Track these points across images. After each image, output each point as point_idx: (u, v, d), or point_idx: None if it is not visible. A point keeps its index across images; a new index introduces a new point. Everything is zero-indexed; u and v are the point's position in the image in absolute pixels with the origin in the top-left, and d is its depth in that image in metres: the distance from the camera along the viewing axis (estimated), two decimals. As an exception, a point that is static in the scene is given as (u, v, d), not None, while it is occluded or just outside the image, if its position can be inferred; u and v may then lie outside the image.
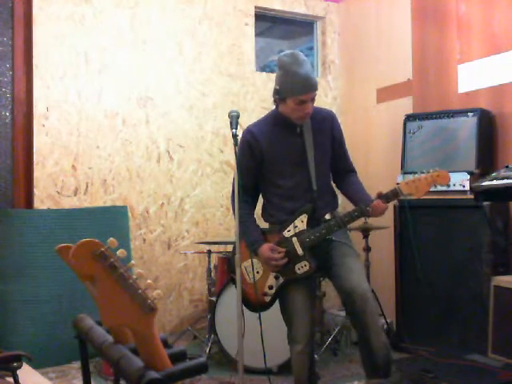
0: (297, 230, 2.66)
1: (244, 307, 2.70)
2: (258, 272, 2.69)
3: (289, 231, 2.67)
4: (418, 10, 4.48)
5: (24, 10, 4.14)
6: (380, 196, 2.61)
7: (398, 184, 2.65)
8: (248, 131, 2.74)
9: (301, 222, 2.66)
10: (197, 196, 4.69)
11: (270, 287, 2.67)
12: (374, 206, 2.59)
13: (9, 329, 3.65)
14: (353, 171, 2.90)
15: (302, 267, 2.63)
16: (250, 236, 2.69)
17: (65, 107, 4.20)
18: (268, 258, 2.62)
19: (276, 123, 2.71)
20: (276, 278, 2.66)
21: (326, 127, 2.76)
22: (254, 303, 2.69)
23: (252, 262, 2.64)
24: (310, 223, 2.65)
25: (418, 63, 4.48)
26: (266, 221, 2.82)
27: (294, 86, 2.53)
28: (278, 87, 2.60)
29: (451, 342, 3.63)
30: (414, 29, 4.51)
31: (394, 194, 2.62)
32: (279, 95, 2.61)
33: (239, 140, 2.70)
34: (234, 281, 2.71)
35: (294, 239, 2.65)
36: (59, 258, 1.33)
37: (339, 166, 2.85)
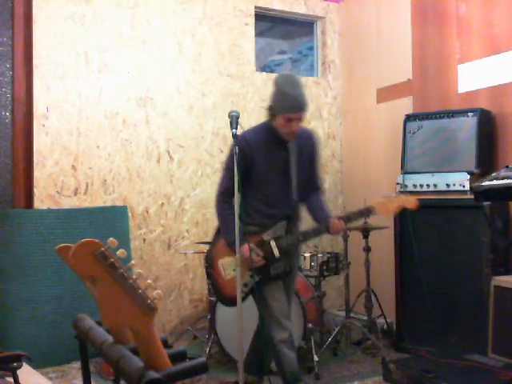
0: (275, 235, 2.91)
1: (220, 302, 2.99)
2: (234, 270, 2.82)
3: (268, 235, 2.91)
4: (418, 9, 4.48)
5: (24, 10, 4.14)
6: (340, 217, 2.92)
7: (370, 205, 2.93)
8: (243, 138, 2.91)
9: (280, 228, 2.92)
10: (197, 196, 4.69)
11: (245, 285, 2.87)
12: (333, 224, 2.88)
13: (9, 329, 3.65)
14: (319, 189, 3.18)
15: (277, 268, 2.90)
16: (231, 235, 2.81)
17: (65, 107, 4.20)
18: (246, 258, 2.79)
19: (268, 135, 2.94)
20: (251, 276, 2.86)
21: (309, 147, 3.06)
22: (228, 298, 2.92)
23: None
24: (288, 230, 2.93)
25: (418, 63, 4.48)
26: (244, 222, 2.89)
27: (284, 104, 2.81)
28: (271, 104, 2.88)
29: (451, 342, 3.62)
30: (414, 29, 4.51)
31: (359, 214, 2.94)
32: (271, 111, 2.88)
33: (230, 146, 2.89)
34: (209, 275, 2.98)
35: (273, 242, 2.89)
36: (59, 258, 1.34)
37: (310, 182, 3.11)
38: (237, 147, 2.68)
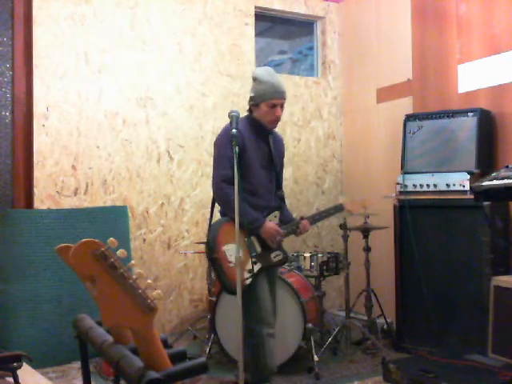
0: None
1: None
2: (240, 256, 2.78)
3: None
4: (418, 9, 4.48)
5: (24, 10, 4.14)
6: (306, 217, 3.13)
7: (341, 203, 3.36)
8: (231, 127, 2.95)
9: (274, 217, 3.04)
10: (197, 196, 4.69)
11: (250, 271, 2.87)
12: (303, 225, 3.09)
13: (9, 329, 3.65)
14: (281, 189, 3.27)
15: (277, 256, 2.99)
16: (249, 214, 2.89)
17: (65, 107, 4.20)
18: (276, 231, 2.94)
19: (252, 127, 3.04)
20: (254, 263, 2.88)
21: (281, 147, 3.25)
22: (233, 285, 2.79)
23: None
24: (279, 221, 3.05)
25: (418, 63, 4.48)
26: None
27: (268, 91, 2.96)
28: (252, 94, 3.01)
29: (451, 342, 3.63)
30: (414, 29, 4.51)
31: (324, 214, 3.25)
32: (254, 101, 3.00)
33: (222, 134, 3.02)
34: (213, 262, 2.89)
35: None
36: (59, 258, 1.34)
37: (277, 182, 3.22)
38: (237, 147, 2.69)
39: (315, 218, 3.21)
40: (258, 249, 2.96)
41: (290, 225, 3.09)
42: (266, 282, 2.99)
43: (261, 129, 3.05)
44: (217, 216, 3.07)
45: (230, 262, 2.85)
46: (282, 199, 3.21)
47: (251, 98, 3.02)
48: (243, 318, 2.77)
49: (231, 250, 2.85)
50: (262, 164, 3.04)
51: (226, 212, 2.97)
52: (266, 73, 3.02)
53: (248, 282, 2.86)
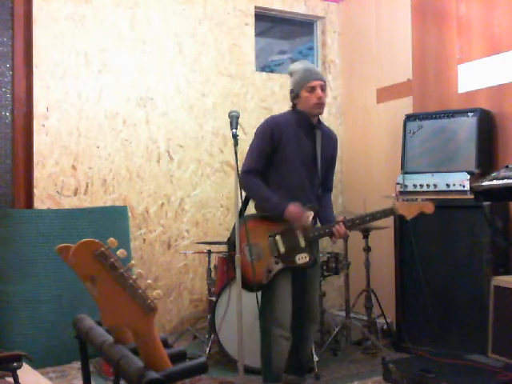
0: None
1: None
2: (259, 255, 2.80)
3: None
4: (418, 10, 4.48)
5: (24, 10, 4.14)
6: (344, 220, 2.91)
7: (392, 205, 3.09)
8: (273, 119, 2.96)
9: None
10: (197, 196, 4.69)
11: (269, 271, 2.81)
12: (336, 229, 2.88)
13: (9, 329, 3.65)
14: (331, 190, 3.20)
15: (302, 258, 2.84)
16: (273, 199, 2.82)
17: (65, 107, 4.20)
18: (300, 213, 2.80)
19: (297, 119, 2.95)
20: (276, 263, 2.82)
21: (331, 145, 3.09)
22: (250, 283, 2.78)
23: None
24: (312, 221, 2.88)
25: (418, 63, 4.48)
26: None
27: (303, 76, 2.89)
28: (292, 87, 2.95)
29: (451, 342, 3.63)
30: (414, 29, 4.51)
31: (368, 218, 2.99)
32: (294, 93, 2.94)
33: (261, 125, 2.94)
34: (232, 258, 2.82)
35: (299, 231, 2.84)
36: (59, 258, 1.33)
37: (325, 181, 3.10)
38: (237, 147, 2.68)
39: (355, 223, 2.95)
40: (282, 249, 2.84)
41: (323, 227, 2.95)
42: (288, 284, 2.88)
43: (306, 123, 2.94)
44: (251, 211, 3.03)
45: (249, 261, 2.77)
46: (324, 200, 3.08)
47: (291, 92, 2.96)
48: (260, 316, 2.84)
49: (253, 249, 2.79)
50: (305, 161, 2.91)
51: (253, 199, 2.93)
52: (298, 63, 3.05)
53: (265, 281, 2.80)
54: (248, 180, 2.85)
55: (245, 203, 2.98)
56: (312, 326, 3.06)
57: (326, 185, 3.13)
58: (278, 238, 2.85)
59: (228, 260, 3.01)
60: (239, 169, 2.76)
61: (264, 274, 2.81)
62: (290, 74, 3.01)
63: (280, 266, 2.83)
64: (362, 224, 3.03)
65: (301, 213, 2.82)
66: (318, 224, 3.03)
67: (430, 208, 3.05)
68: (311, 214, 2.85)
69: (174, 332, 4.41)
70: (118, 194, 4.37)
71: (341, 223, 2.88)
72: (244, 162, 2.92)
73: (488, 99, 3.88)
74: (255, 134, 2.96)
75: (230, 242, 2.90)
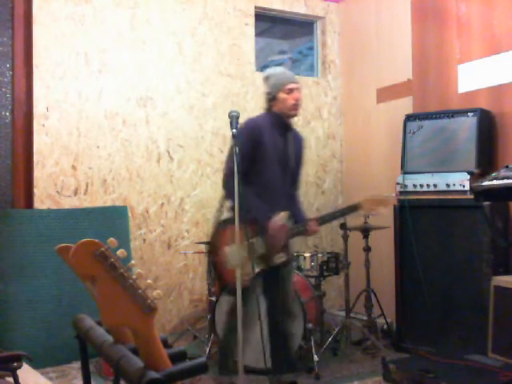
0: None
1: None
2: (238, 258, 2.81)
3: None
4: (418, 9, 4.47)
5: (24, 10, 4.14)
6: (315, 218, 3.05)
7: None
8: (252, 120, 3.03)
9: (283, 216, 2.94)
10: (197, 196, 4.69)
11: (250, 273, 2.83)
12: (309, 226, 3.00)
13: (9, 329, 3.65)
14: (298, 189, 3.28)
15: (280, 257, 2.91)
16: (257, 208, 2.87)
17: (65, 107, 4.20)
18: (281, 228, 2.86)
19: (273, 122, 3.03)
20: (256, 264, 2.85)
21: (300, 146, 3.21)
22: (233, 286, 2.81)
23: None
24: (288, 221, 2.95)
25: (418, 63, 4.48)
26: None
27: (282, 79, 3.01)
28: (268, 90, 3.06)
29: (451, 342, 3.63)
30: (414, 29, 4.51)
31: (337, 214, 3.12)
32: (270, 95, 3.03)
33: (241, 127, 2.91)
34: (213, 263, 2.93)
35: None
36: (59, 258, 1.33)
37: (294, 180, 3.19)
38: (237, 148, 2.68)
39: (325, 219, 3.10)
40: (261, 250, 2.90)
41: (298, 225, 3.04)
42: (259, 285, 2.95)
43: (281, 124, 3.05)
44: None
45: (228, 264, 2.84)
46: (296, 199, 3.19)
47: (267, 94, 3.04)
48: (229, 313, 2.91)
49: (232, 252, 2.83)
50: (280, 161, 3.01)
51: (233, 203, 2.93)
52: (273, 68, 3.14)
53: (247, 283, 2.82)
54: (229, 184, 2.85)
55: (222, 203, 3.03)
56: (291, 320, 3.10)
57: (296, 185, 3.22)
58: (256, 239, 2.90)
59: (211, 265, 3.01)
60: (224, 168, 2.92)
61: (246, 277, 2.83)
62: (266, 79, 3.08)
63: (260, 267, 2.89)
64: (332, 220, 3.17)
65: (280, 228, 2.88)
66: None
67: (392, 201, 3.18)
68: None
69: (174, 332, 4.42)
70: (117, 194, 4.37)
71: (313, 221, 3.02)
72: (226, 164, 2.95)
73: (488, 99, 3.88)
74: (236, 136, 2.97)
75: (211, 245, 2.96)
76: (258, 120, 3.04)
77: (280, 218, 2.89)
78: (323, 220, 3.08)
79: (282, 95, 2.98)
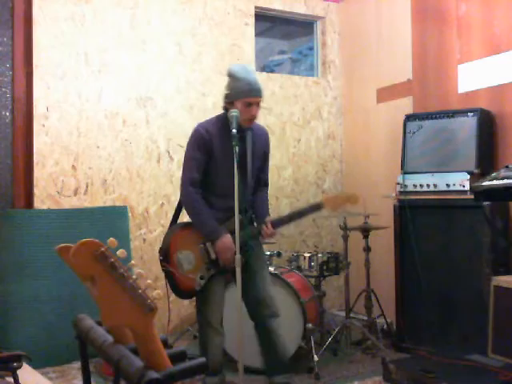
0: (231, 228, 2.78)
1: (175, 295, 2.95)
2: (190, 263, 2.86)
3: (224, 227, 2.89)
4: (418, 9, 4.48)
5: (24, 10, 4.14)
6: (271, 220, 2.94)
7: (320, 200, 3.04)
8: (201, 127, 2.93)
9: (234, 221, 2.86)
10: (197, 196, 4.68)
11: (202, 277, 2.87)
12: (264, 229, 2.91)
13: (9, 329, 3.65)
14: (266, 185, 3.19)
15: (233, 262, 2.79)
16: (208, 225, 2.86)
17: (65, 107, 4.20)
18: (228, 249, 2.82)
19: (224, 126, 2.91)
20: (207, 269, 2.88)
21: (263, 142, 3.08)
22: (184, 292, 2.92)
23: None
24: (244, 223, 2.86)
25: (418, 63, 4.48)
26: None
27: (243, 89, 2.83)
28: (227, 92, 2.89)
29: (451, 342, 3.63)
30: (414, 29, 4.51)
31: (297, 215, 3.02)
32: (228, 99, 2.88)
33: (192, 134, 2.95)
34: (166, 272, 2.91)
35: (228, 235, 2.87)
36: (59, 258, 1.33)
37: (260, 177, 3.12)
38: (237, 147, 2.68)
39: (284, 221, 3.00)
40: (213, 255, 2.88)
41: (252, 228, 2.95)
42: (220, 287, 2.95)
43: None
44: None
45: (180, 270, 2.86)
46: (259, 199, 3.10)
47: (226, 96, 2.90)
48: (196, 314, 2.98)
49: (184, 257, 2.87)
50: (232, 164, 2.73)
51: (190, 217, 2.95)
52: (242, 70, 2.90)
53: (198, 287, 2.86)
54: (190, 195, 2.89)
55: (178, 210, 3.05)
56: (270, 316, 2.97)
57: (262, 180, 3.14)
58: (208, 244, 2.89)
59: (166, 273, 2.98)
60: (181, 177, 2.93)
61: (196, 281, 2.86)
62: (229, 75, 2.91)
63: (212, 271, 2.89)
64: (291, 221, 3.06)
65: (227, 249, 2.83)
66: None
67: (356, 199, 3.01)
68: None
69: (174, 332, 4.42)
70: (117, 194, 4.37)
71: (269, 224, 2.92)
72: (183, 174, 2.94)
73: (488, 99, 3.88)
74: (188, 144, 2.96)
75: (163, 252, 2.94)
76: (207, 125, 2.93)
77: (228, 238, 2.84)
78: (281, 221, 2.99)
79: (238, 105, 2.82)
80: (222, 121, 2.94)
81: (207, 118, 3.04)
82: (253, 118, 2.89)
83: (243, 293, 2.78)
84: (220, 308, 2.99)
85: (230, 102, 2.88)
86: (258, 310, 2.98)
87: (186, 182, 2.90)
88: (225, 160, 2.85)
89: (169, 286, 2.93)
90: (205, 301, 2.95)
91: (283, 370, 3.04)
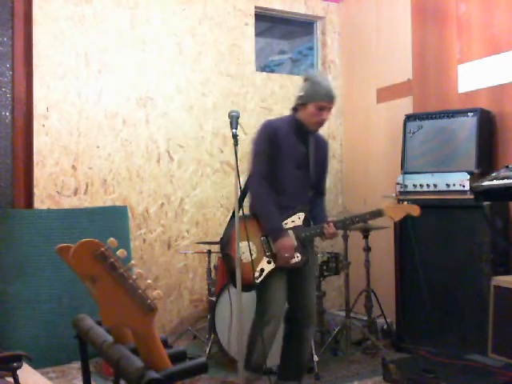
0: (293, 225, 2.90)
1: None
2: (252, 254, 2.81)
3: (286, 224, 2.89)
4: (418, 10, 4.48)
5: (24, 10, 4.14)
6: (334, 221, 2.96)
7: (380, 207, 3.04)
8: (270, 123, 2.99)
9: (298, 219, 2.93)
10: (197, 196, 4.69)
11: (262, 270, 2.84)
12: (326, 229, 2.91)
13: (9, 329, 3.65)
14: (324, 194, 3.25)
15: (295, 258, 2.86)
16: (274, 221, 2.86)
17: (65, 107, 4.20)
18: (288, 249, 2.81)
19: (292, 125, 2.99)
20: (268, 262, 2.85)
21: (324, 151, 3.16)
22: (243, 283, 2.79)
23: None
24: (305, 222, 2.93)
25: (418, 63, 4.48)
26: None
27: (319, 92, 2.90)
28: (302, 93, 2.95)
29: (451, 342, 3.63)
30: (414, 29, 4.51)
31: (357, 219, 2.99)
32: (302, 100, 2.94)
33: (260, 129, 2.96)
34: (226, 259, 2.88)
35: (291, 232, 2.88)
36: (59, 258, 1.33)
37: (318, 185, 3.15)
38: (237, 147, 2.68)
39: (346, 223, 2.99)
40: (274, 248, 2.86)
41: (314, 227, 2.96)
42: (282, 283, 2.90)
43: (301, 130, 2.99)
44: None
45: (240, 260, 2.77)
46: (317, 202, 3.12)
47: (300, 97, 2.95)
48: (255, 312, 2.87)
49: (243, 248, 2.80)
50: (298, 165, 2.95)
51: (257, 208, 2.92)
52: (320, 76, 3.06)
53: (259, 280, 2.83)
54: (262, 187, 2.88)
55: (241, 200, 2.97)
56: (309, 326, 3.00)
57: (319, 189, 3.16)
58: (270, 237, 2.88)
59: (223, 260, 2.98)
60: (251, 170, 2.90)
61: (257, 273, 2.83)
62: (306, 79, 2.99)
63: (272, 265, 2.85)
64: (352, 225, 3.07)
65: (287, 249, 2.82)
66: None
67: (416, 211, 3.04)
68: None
69: (174, 332, 4.42)
70: (118, 194, 4.37)
71: (330, 223, 2.92)
72: (253, 166, 2.93)
73: (488, 99, 3.88)
74: (255, 138, 2.98)
75: (223, 243, 2.93)
76: (275, 122, 3.02)
77: (289, 239, 2.84)
78: (343, 224, 2.99)
79: (311, 107, 2.91)
80: (291, 120, 3.01)
81: (276, 117, 3.14)
82: (322, 122, 2.98)
83: (289, 293, 2.85)
84: (282, 304, 2.92)
85: (302, 103, 2.93)
86: (299, 316, 2.98)
87: (259, 175, 2.90)
88: (291, 158, 2.93)
89: (228, 278, 2.92)
90: (266, 297, 2.87)
91: (298, 378, 3.04)
